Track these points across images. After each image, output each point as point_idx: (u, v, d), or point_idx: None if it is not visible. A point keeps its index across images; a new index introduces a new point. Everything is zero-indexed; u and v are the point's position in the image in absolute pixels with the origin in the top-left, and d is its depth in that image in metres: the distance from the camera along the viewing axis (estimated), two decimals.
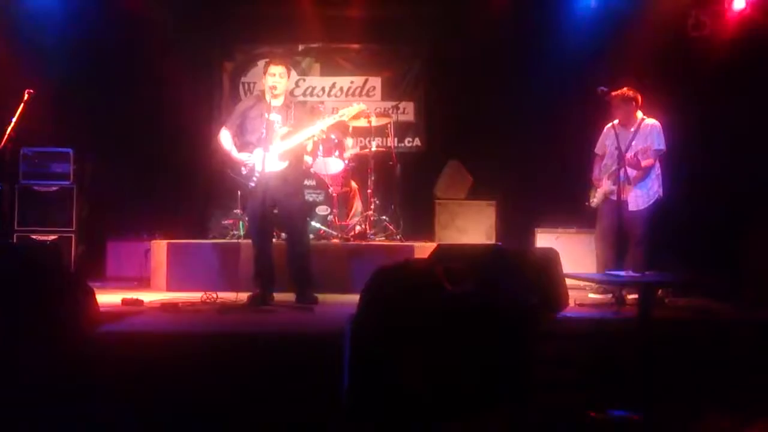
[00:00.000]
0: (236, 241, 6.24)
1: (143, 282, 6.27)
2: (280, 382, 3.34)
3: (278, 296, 5.15)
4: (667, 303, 5.14)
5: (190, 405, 3.18)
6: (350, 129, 6.71)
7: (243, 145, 5.09)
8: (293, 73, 7.77)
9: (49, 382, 2.99)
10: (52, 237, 6.57)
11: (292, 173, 5.08)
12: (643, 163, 5.34)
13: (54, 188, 6.66)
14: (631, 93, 5.47)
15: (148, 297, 5.24)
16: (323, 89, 8.04)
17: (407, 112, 7.99)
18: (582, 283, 5.67)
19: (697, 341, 3.97)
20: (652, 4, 6.43)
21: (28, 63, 6.56)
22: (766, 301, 5.06)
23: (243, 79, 8.02)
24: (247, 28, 7.85)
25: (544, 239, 6.57)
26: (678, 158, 5.67)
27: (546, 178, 6.92)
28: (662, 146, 5.43)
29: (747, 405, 3.33)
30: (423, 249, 5.91)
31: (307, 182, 6.40)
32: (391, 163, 6.91)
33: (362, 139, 7.41)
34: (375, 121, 6.69)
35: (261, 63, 7.59)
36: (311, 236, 5.97)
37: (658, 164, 5.47)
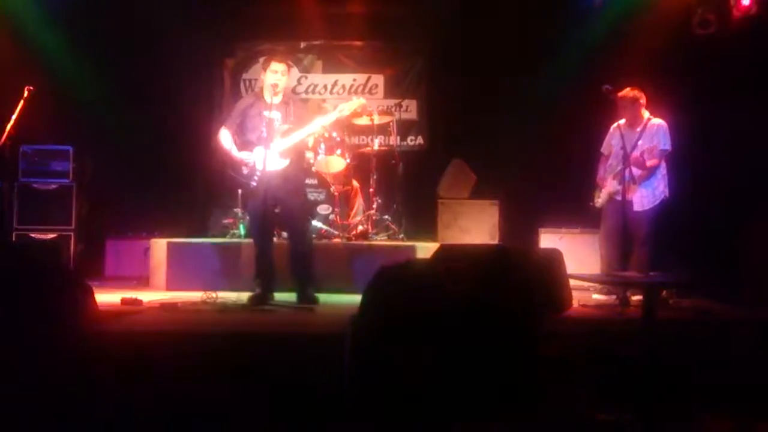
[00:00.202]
0: (236, 240, 6.23)
1: (142, 281, 6.25)
2: (281, 382, 3.32)
3: (279, 296, 5.14)
4: (672, 304, 5.14)
5: (190, 404, 3.17)
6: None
7: (243, 144, 5.07)
8: (295, 70, 7.77)
9: (48, 380, 2.96)
10: (51, 235, 6.58)
11: (293, 171, 5.06)
12: (648, 163, 5.32)
13: (53, 186, 6.66)
14: (635, 93, 5.45)
15: (148, 296, 5.23)
16: (325, 87, 8.01)
17: (410, 109, 7.96)
18: (586, 284, 5.66)
19: (701, 342, 3.94)
20: (657, 2, 6.39)
21: (28, 60, 6.55)
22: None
23: (244, 76, 8.00)
24: (249, 25, 7.82)
25: (547, 239, 6.55)
26: (682, 157, 5.65)
27: (550, 177, 6.89)
28: (668, 146, 5.41)
29: (751, 406, 3.32)
30: (425, 249, 5.89)
31: (308, 181, 6.38)
32: (393, 161, 6.90)
33: (364, 137, 7.38)
34: (377, 119, 6.67)
35: (262, 60, 7.57)
36: (313, 235, 5.94)
37: (663, 164, 5.46)
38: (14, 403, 2.83)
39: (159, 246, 6.06)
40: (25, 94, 5.41)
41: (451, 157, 7.36)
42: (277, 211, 5.19)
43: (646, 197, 5.41)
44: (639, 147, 5.39)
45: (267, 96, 5.01)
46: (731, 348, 3.87)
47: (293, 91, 7.47)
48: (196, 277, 5.73)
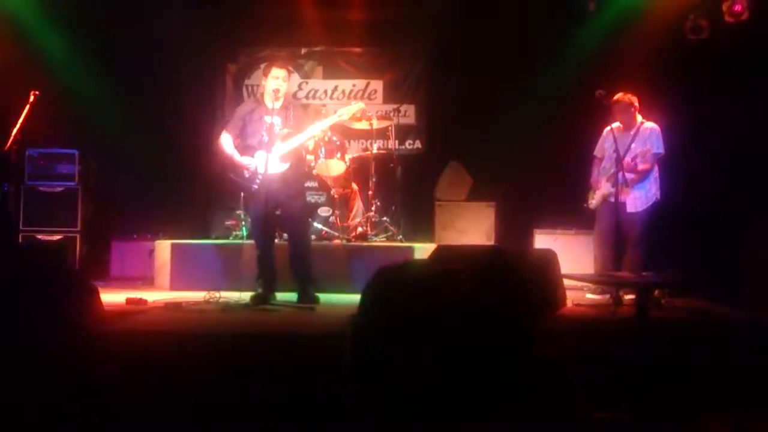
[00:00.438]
0: (238, 241, 6.28)
1: (147, 282, 6.31)
2: (282, 382, 3.34)
3: (280, 296, 5.19)
4: (664, 303, 5.18)
5: (193, 404, 3.17)
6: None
7: (244, 149, 5.12)
8: (296, 75, 7.82)
9: (54, 380, 3.01)
10: (57, 237, 6.63)
11: (293, 175, 5.12)
12: (640, 167, 5.39)
13: (59, 189, 6.71)
14: (629, 98, 5.51)
15: (152, 296, 5.28)
16: (325, 92, 8.08)
17: (408, 114, 8.03)
18: (580, 284, 5.71)
19: (694, 342, 3.98)
20: (650, 8, 6.45)
21: (33, 65, 6.61)
22: (762, 301, 5.10)
23: (246, 82, 8.05)
24: (251, 31, 7.87)
25: (542, 240, 6.60)
26: (676, 160, 5.71)
27: (545, 179, 6.94)
28: (661, 150, 5.47)
29: (744, 406, 3.34)
30: (423, 250, 5.95)
31: (309, 184, 6.44)
32: (392, 164, 6.93)
33: (363, 141, 7.45)
34: (376, 124, 6.73)
35: (263, 66, 7.63)
36: (313, 237, 6.01)
37: (656, 167, 5.51)
38: (20, 403, 2.88)
39: (163, 247, 6.12)
40: (31, 98, 5.43)
41: (448, 160, 7.43)
42: (278, 213, 5.26)
43: (639, 199, 5.47)
44: (632, 150, 5.45)
45: (268, 101, 5.06)
46: (724, 348, 3.90)
47: (294, 96, 7.54)
48: (199, 278, 5.81)
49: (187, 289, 5.70)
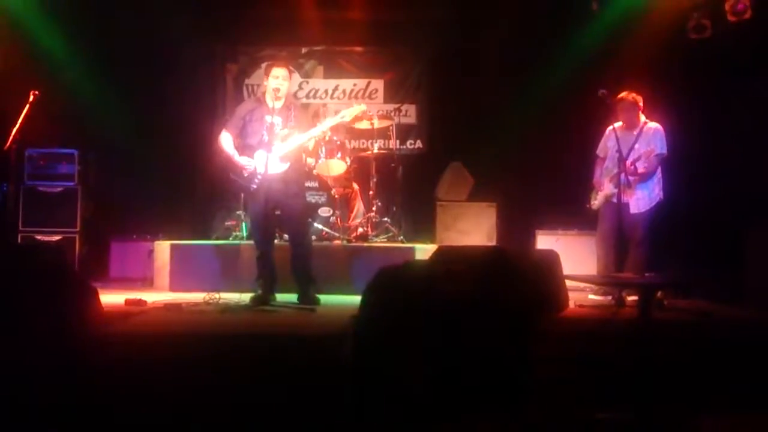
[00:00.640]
0: (238, 242, 6.27)
1: (146, 282, 6.30)
2: (282, 383, 3.33)
3: (280, 297, 5.18)
4: (666, 305, 5.16)
5: (192, 405, 3.17)
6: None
7: (244, 148, 5.10)
8: (297, 75, 7.81)
9: (53, 380, 3.00)
10: (56, 237, 6.62)
11: (293, 175, 5.11)
12: (641, 170, 5.37)
13: (58, 189, 6.70)
14: (633, 97, 5.49)
15: (152, 297, 5.26)
16: (326, 91, 8.07)
17: (409, 114, 8.02)
18: (582, 285, 5.71)
19: (696, 343, 3.97)
20: (652, 7, 6.43)
21: (33, 64, 6.60)
22: (765, 302, 5.08)
23: (247, 81, 8.05)
24: (251, 31, 7.87)
25: (544, 241, 6.60)
26: (679, 160, 5.69)
27: (547, 180, 6.94)
28: (665, 150, 5.46)
29: (746, 407, 3.34)
30: (424, 250, 5.95)
31: (309, 184, 6.44)
32: (393, 164, 6.93)
33: (364, 141, 7.44)
34: (377, 124, 6.72)
35: (264, 65, 7.62)
36: (313, 237, 6.00)
37: (659, 168, 5.50)
38: (19, 404, 2.87)
39: (163, 248, 6.11)
40: (31, 98, 5.44)
41: (450, 160, 7.41)
42: (277, 213, 5.24)
43: (642, 200, 5.46)
44: (636, 150, 5.43)
45: (269, 100, 5.06)
46: (727, 348, 3.89)
47: (294, 95, 7.53)
48: (199, 279, 5.80)
49: (186, 290, 5.69)
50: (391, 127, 7.00)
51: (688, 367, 3.63)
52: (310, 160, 6.21)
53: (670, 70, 6.33)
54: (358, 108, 5.42)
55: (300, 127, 5.10)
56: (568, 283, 4.92)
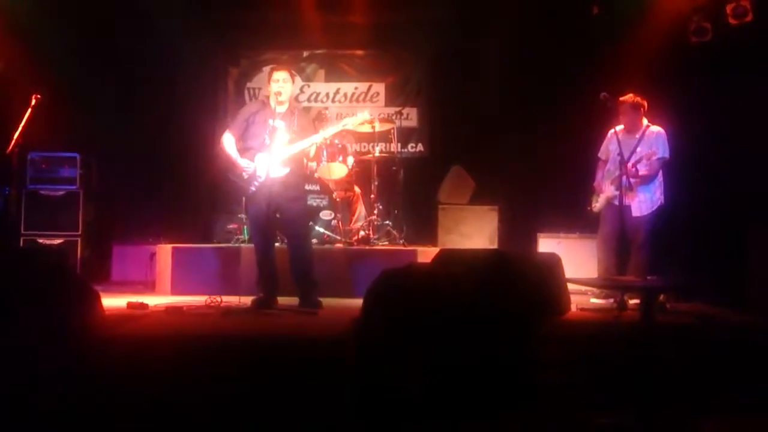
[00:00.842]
0: (240, 245, 6.28)
1: (148, 286, 6.30)
2: (284, 386, 3.33)
3: (282, 300, 5.16)
4: (669, 308, 5.15)
5: (193, 408, 3.18)
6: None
7: (245, 150, 5.10)
8: (298, 78, 7.82)
9: (55, 383, 3.00)
10: (58, 241, 6.62)
11: (293, 179, 5.10)
12: (641, 172, 5.36)
13: (60, 192, 6.70)
14: (637, 99, 5.48)
15: (153, 300, 5.25)
16: (327, 95, 8.09)
17: (410, 117, 8.03)
18: (584, 288, 5.70)
19: (698, 346, 3.96)
20: (653, 10, 6.43)
21: (35, 68, 6.62)
22: (767, 306, 5.07)
23: (248, 85, 8.07)
24: (253, 35, 7.90)
25: (546, 244, 6.58)
26: (681, 163, 5.69)
27: (548, 183, 6.94)
28: (667, 154, 5.45)
29: (747, 410, 3.33)
30: (426, 254, 5.93)
31: (310, 187, 6.44)
32: (394, 168, 6.94)
33: (366, 144, 7.45)
34: (378, 127, 6.73)
35: (266, 69, 7.63)
36: (315, 241, 5.99)
37: (661, 171, 5.50)
38: (21, 406, 2.88)
39: (164, 251, 6.11)
40: (33, 102, 5.46)
41: (451, 163, 7.42)
42: (278, 216, 5.25)
43: (644, 203, 5.45)
44: (637, 153, 5.42)
45: (273, 104, 5.09)
46: (729, 352, 3.89)
47: (296, 99, 7.55)
48: (200, 282, 5.81)
49: (188, 294, 5.69)
50: (392, 131, 7.00)
51: (690, 370, 3.63)
52: (312, 164, 6.21)
53: (671, 73, 6.32)
54: (361, 117, 5.45)
55: (303, 132, 5.11)
56: (570, 286, 4.91)
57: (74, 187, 6.74)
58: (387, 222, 6.72)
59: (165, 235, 6.64)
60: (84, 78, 6.97)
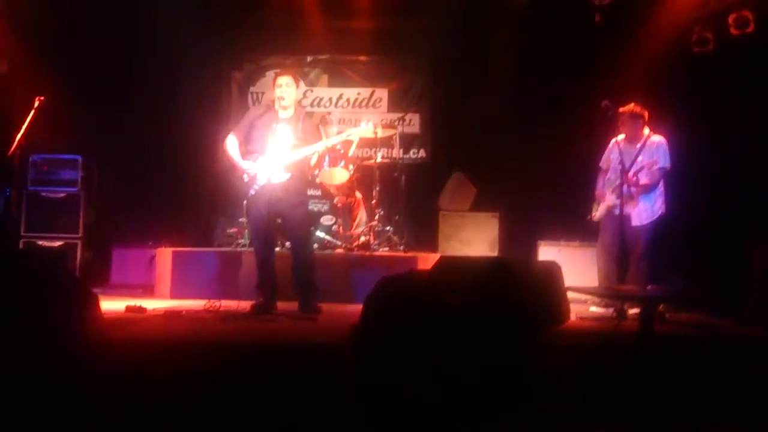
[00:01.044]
0: (240, 249, 6.27)
1: (147, 289, 6.30)
2: (283, 391, 3.33)
3: (282, 305, 5.15)
4: (668, 318, 5.15)
5: (192, 413, 3.18)
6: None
7: (247, 153, 5.10)
8: (301, 83, 7.83)
9: (52, 387, 3.00)
10: (58, 243, 6.62)
11: (295, 185, 5.09)
12: (642, 182, 5.36)
13: (61, 195, 6.70)
14: (639, 109, 5.48)
15: (152, 304, 5.26)
16: (330, 100, 8.10)
17: (413, 123, 8.05)
18: (584, 297, 5.68)
19: (698, 356, 3.96)
20: (655, 21, 6.45)
21: (38, 70, 6.63)
22: (767, 317, 5.06)
23: (252, 89, 8.09)
24: (256, 39, 7.92)
25: (546, 252, 6.58)
26: (682, 173, 5.68)
27: (549, 191, 6.93)
28: (668, 164, 5.44)
29: (746, 420, 3.33)
30: (426, 260, 5.93)
31: (312, 192, 6.44)
32: (396, 174, 6.94)
33: (368, 149, 7.45)
34: (381, 132, 6.70)
35: (269, 73, 7.66)
36: (316, 246, 5.99)
37: (662, 181, 5.50)
38: (19, 410, 2.87)
39: (164, 255, 6.12)
40: (36, 104, 5.48)
41: (453, 170, 7.43)
42: (279, 221, 5.24)
43: (644, 212, 5.44)
44: (638, 163, 5.42)
45: (278, 109, 5.10)
46: (728, 362, 3.88)
47: (299, 104, 7.56)
48: (200, 286, 5.81)
49: (187, 298, 5.69)
50: (394, 136, 7.02)
51: (689, 380, 3.61)
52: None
53: (673, 83, 6.33)
54: (365, 129, 5.49)
55: (307, 138, 5.10)
56: (570, 294, 4.91)
57: (75, 189, 6.74)
58: (388, 228, 6.72)
59: (165, 239, 6.63)
60: (87, 81, 7.00)
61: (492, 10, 7.15)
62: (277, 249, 5.45)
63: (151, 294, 6.12)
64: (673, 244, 5.89)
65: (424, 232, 7.23)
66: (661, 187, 5.48)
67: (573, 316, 4.99)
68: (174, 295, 5.92)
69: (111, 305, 5.10)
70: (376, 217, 6.61)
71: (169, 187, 7.32)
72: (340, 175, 6.41)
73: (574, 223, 6.31)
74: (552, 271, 4.84)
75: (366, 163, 6.92)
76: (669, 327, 4.85)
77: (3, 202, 6.37)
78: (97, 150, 7.03)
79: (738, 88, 5.99)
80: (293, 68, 7.08)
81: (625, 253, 5.37)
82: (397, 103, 8.07)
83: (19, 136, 5.40)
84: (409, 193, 7.10)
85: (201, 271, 6.01)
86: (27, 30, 6.73)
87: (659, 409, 3.32)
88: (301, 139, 5.07)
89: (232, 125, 6.05)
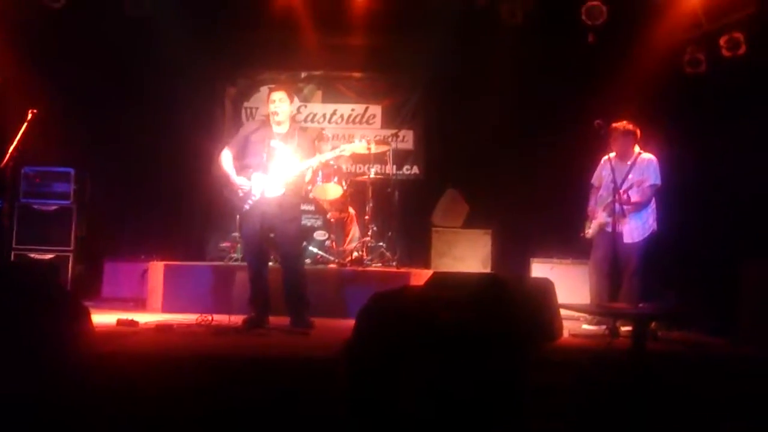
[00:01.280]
0: (232, 264, 6.26)
1: (139, 303, 6.27)
2: (275, 406, 3.32)
3: (274, 320, 5.14)
4: (660, 336, 5.15)
5: (183, 427, 3.16)
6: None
7: (241, 168, 5.11)
8: (295, 99, 7.85)
9: (42, 401, 2.97)
10: (49, 255, 6.60)
11: (288, 200, 5.10)
12: (634, 198, 5.39)
13: (53, 207, 6.68)
14: (630, 127, 5.53)
15: (144, 318, 5.23)
16: (324, 116, 8.13)
17: (406, 140, 8.07)
18: (576, 314, 5.69)
19: (689, 374, 3.97)
20: (648, 41, 6.51)
21: (32, 83, 6.63)
22: (759, 335, 5.07)
23: (245, 104, 8.11)
24: (250, 54, 7.94)
25: (539, 269, 6.59)
26: (673, 191, 5.72)
27: (542, 208, 6.96)
28: (658, 181, 5.48)
29: None
30: (419, 276, 5.93)
31: (305, 207, 6.45)
32: (389, 190, 6.96)
33: (361, 165, 7.48)
34: (374, 149, 6.75)
35: (263, 89, 7.69)
36: (308, 261, 5.98)
37: (654, 198, 5.53)
38: (9, 423, 2.84)
39: (156, 268, 6.09)
40: (29, 116, 5.47)
41: (446, 186, 7.45)
42: (272, 236, 5.24)
43: (636, 229, 5.47)
44: (629, 180, 5.45)
45: (273, 124, 5.11)
46: (720, 380, 3.89)
47: (293, 119, 7.58)
48: (192, 300, 5.79)
49: (179, 312, 5.67)
50: (388, 153, 7.04)
51: (680, 398, 3.62)
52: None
53: (665, 103, 6.39)
54: (359, 145, 5.51)
55: (302, 153, 5.11)
56: (563, 312, 4.92)
57: (67, 202, 6.73)
58: (381, 243, 6.73)
59: (157, 252, 6.61)
60: (80, 93, 7.00)
61: (486, 29, 7.20)
62: (270, 264, 5.43)
63: (143, 307, 6.09)
64: (665, 262, 5.92)
65: (417, 248, 7.23)
66: (652, 205, 5.51)
67: (566, 333, 4.99)
68: (166, 308, 5.89)
69: (102, 318, 5.07)
70: (369, 233, 6.62)
71: (162, 201, 7.30)
72: (333, 191, 6.43)
73: (566, 240, 6.34)
74: (545, 288, 4.85)
75: (359, 178, 6.95)
76: (661, 345, 4.86)
77: None
78: (89, 163, 7.03)
79: (730, 108, 6.05)
80: (287, 84, 7.10)
81: (617, 271, 5.38)
82: (391, 119, 8.11)
83: (11, 148, 5.37)
84: (402, 209, 7.12)
85: (193, 284, 5.99)
86: (20, 42, 6.72)
87: (651, 427, 3.32)
88: (297, 154, 5.08)
89: (226, 140, 6.06)
